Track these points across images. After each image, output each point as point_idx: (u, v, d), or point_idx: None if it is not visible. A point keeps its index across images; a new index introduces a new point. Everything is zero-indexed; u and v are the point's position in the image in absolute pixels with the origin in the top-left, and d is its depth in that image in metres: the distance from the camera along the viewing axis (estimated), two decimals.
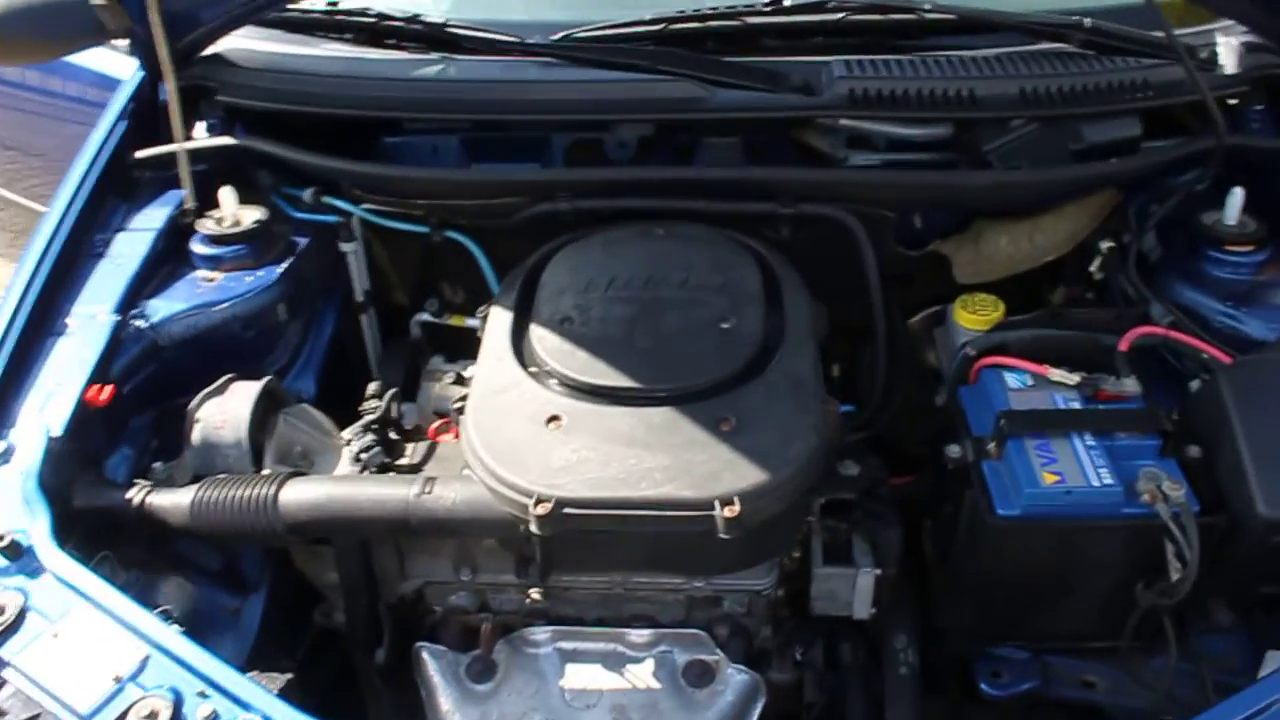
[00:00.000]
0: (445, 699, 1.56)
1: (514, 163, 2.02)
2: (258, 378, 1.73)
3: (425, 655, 1.61)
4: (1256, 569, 1.45)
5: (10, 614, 1.36)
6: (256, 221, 1.88)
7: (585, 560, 1.48)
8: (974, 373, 1.65)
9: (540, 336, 1.57)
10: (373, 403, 1.70)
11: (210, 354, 1.79)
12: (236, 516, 1.51)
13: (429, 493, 1.46)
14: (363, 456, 1.59)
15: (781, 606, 1.64)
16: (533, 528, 1.37)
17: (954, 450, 1.54)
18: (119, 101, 1.99)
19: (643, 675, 1.57)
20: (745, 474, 1.37)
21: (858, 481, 1.53)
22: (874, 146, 1.88)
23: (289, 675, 1.37)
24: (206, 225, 1.88)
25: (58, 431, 1.55)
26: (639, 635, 1.59)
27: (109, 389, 1.65)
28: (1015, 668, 1.58)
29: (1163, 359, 1.68)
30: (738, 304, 1.60)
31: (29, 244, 1.81)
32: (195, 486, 1.56)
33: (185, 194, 1.88)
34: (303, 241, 1.92)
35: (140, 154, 1.94)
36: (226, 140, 1.93)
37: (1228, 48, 1.89)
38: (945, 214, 1.89)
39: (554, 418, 1.46)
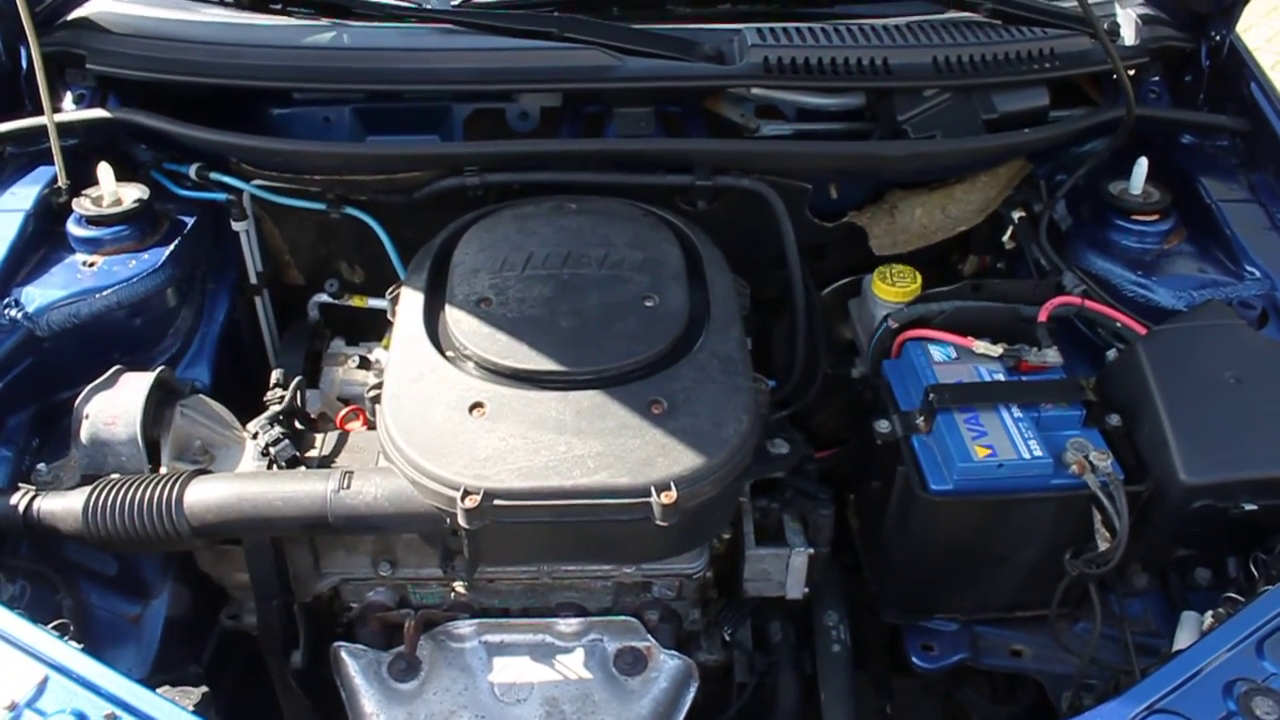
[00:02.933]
0: (368, 700, 1.50)
1: (411, 135, 1.93)
2: (148, 368, 1.61)
3: (344, 655, 1.53)
4: (1175, 533, 1.49)
5: None
6: (138, 200, 1.75)
7: (515, 552, 1.43)
8: (897, 346, 1.65)
9: (457, 319, 1.49)
10: (277, 392, 1.60)
11: (94, 344, 1.66)
12: (136, 521, 1.40)
13: (347, 488, 1.38)
14: (271, 450, 1.49)
15: (710, 588, 1.62)
16: (461, 521, 1.31)
17: (883, 425, 1.53)
18: None
19: (574, 665, 1.53)
20: (680, 458, 1.33)
21: (787, 460, 1.51)
22: (785, 116, 1.85)
23: (203, 689, 1.28)
24: (83, 205, 1.74)
25: None
26: (568, 624, 1.55)
27: None
28: (945, 640, 1.60)
29: (1074, 327, 1.71)
30: (660, 281, 1.55)
31: None
32: (87, 489, 1.44)
33: (56, 171, 1.73)
34: (189, 221, 1.79)
35: (1, 128, 1.78)
36: (100, 113, 1.79)
37: (1127, 19, 1.92)
38: (860, 185, 1.87)
39: (477, 405, 1.39)
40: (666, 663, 1.52)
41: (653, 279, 1.55)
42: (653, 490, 1.30)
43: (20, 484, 1.50)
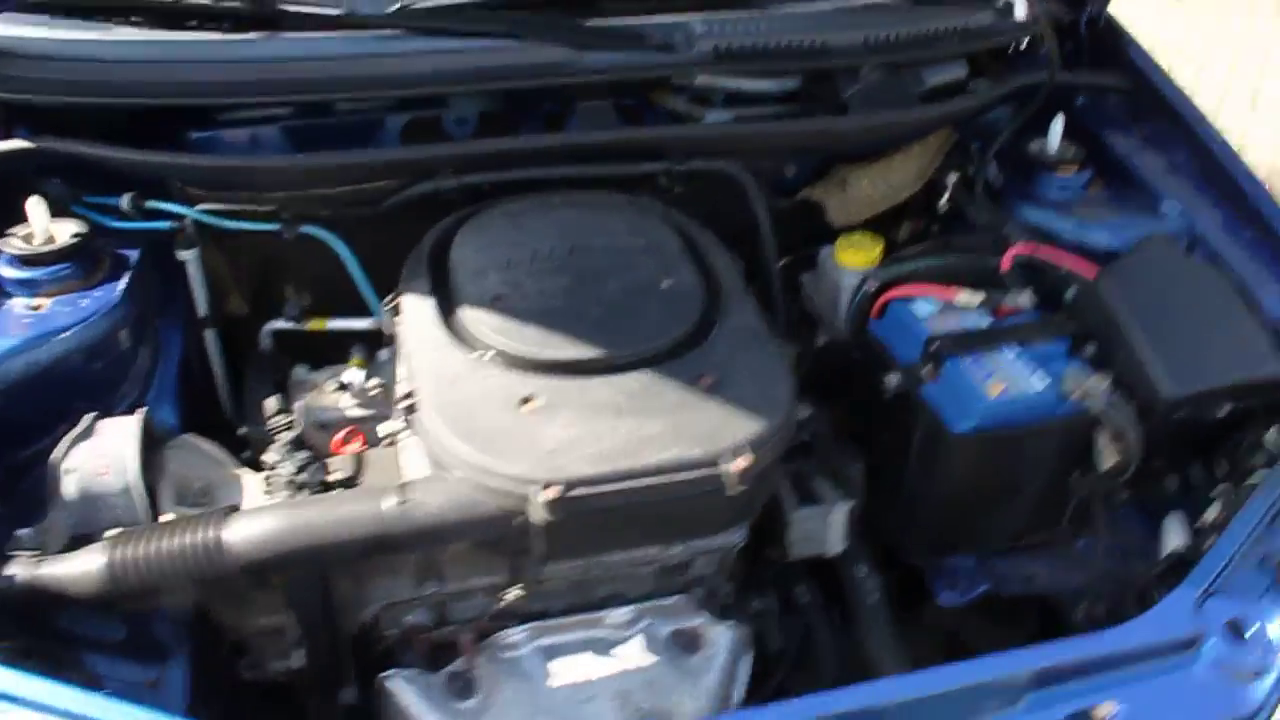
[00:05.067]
0: None
1: (344, 149, 1.86)
2: (112, 415, 1.49)
3: (398, 684, 1.45)
4: (1157, 447, 1.64)
5: None
6: (76, 235, 1.60)
7: (588, 541, 1.40)
8: (879, 307, 1.73)
9: (479, 318, 1.46)
10: (280, 418, 1.51)
11: (52, 394, 1.51)
12: (174, 569, 1.28)
13: (406, 502, 1.31)
14: (299, 478, 1.40)
15: (739, 560, 1.64)
16: (540, 515, 1.28)
17: (892, 379, 1.61)
18: None
19: (633, 655, 1.51)
20: (742, 426, 1.36)
21: (811, 422, 1.56)
22: (729, 103, 1.91)
23: None
24: (13, 245, 1.57)
25: None
26: (618, 615, 1.53)
27: None
28: (967, 575, 1.69)
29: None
30: (668, 263, 1.57)
31: None
32: (101, 547, 1.31)
33: None
34: (132, 255, 1.65)
35: None
36: (21, 144, 1.62)
37: None
38: (808, 163, 1.96)
39: (527, 399, 1.37)
40: (721, 636, 1.53)
41: (660, 261, 1.57)
42: (724, 460, 1.32)
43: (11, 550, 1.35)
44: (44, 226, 1.59)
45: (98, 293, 1.57)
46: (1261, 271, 1.73)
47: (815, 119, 1.85)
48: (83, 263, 1.59)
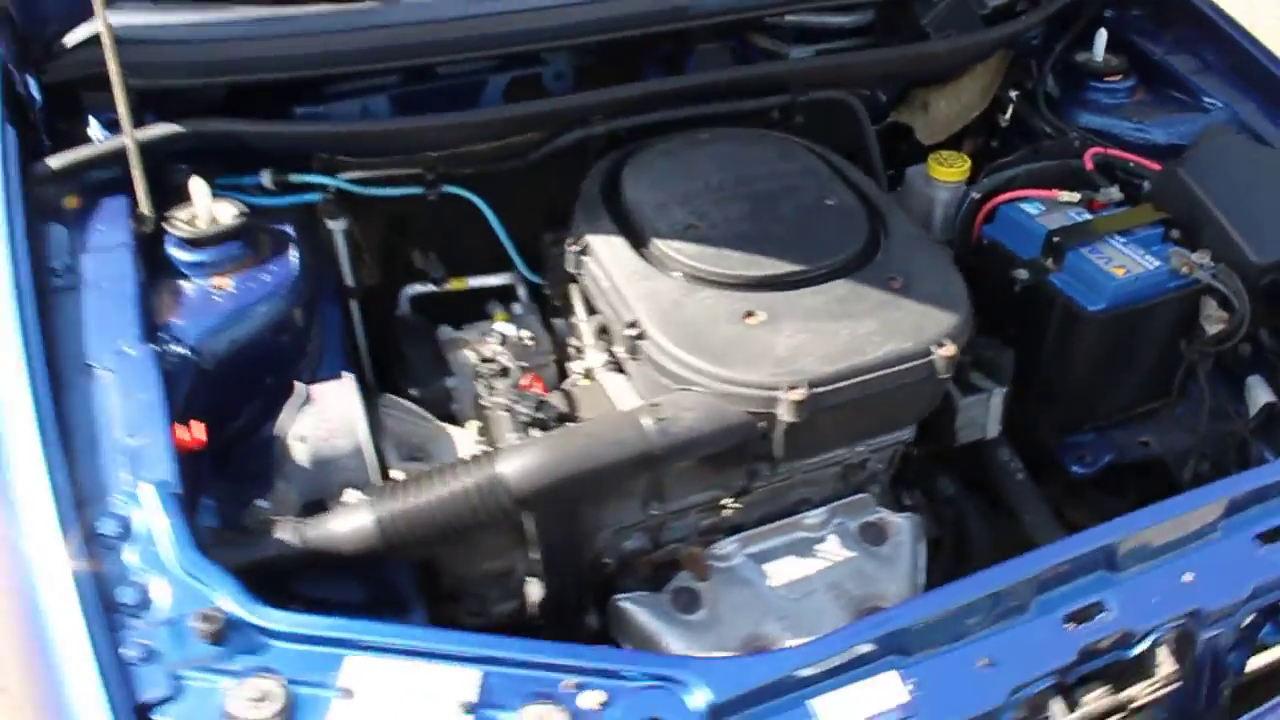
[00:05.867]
0: (674, 640, 1.51)
1: (450, 113, 1.89)
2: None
3: (628, 606, 1.53)
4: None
5: (281, 697, 1.11)
6: (240, 214, 1.60)
7: (820, 439, 1.50)
8: (986, 212, 1.88)
9: (679, 248, 1.54)
10: (496, 363, 1.57)
11: (249, 369, 1.53)
12: (454, 513, 1.33)
13: (664, 419, 1.39)
14: (538, 415, 1.46)
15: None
16: (787, 415, 1.38)
17: (1021, 273, 1.76)
18: None
19: (833, 550, 1.63)
20: (941, 318, 1.49)
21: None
22: (809, 39, 2.02)
23: None
24: (179, 228, 1.57)
25: (177, 488, 1.27)
26: (813, 517, 1.65)
27: (198, 427, 1.36)
28: (1093, 448, 1.86)
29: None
30: (824, 184, 1.68)
31: None
32: (366, 503, 1.35)
33: (140, 198, 1.55)
34: (290, 230, 1.67)
35: (54, 161, 1.56)
36: (174, 128, 1.61)
37: None
38: (893, 89, 2.09)
39: (749, 314, 1.46)
40: (903, 525, 1.67)
41: (816, 183, 1.68)
42: (933, 349, 1.45)
43: (262, 520, 1.38)
44: (207, 207, 1.59)
45: (273, 267, 1.58)
46: None
47: (910, 46, 1.97)
48: (251, 242, 1.60)
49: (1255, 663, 1.46)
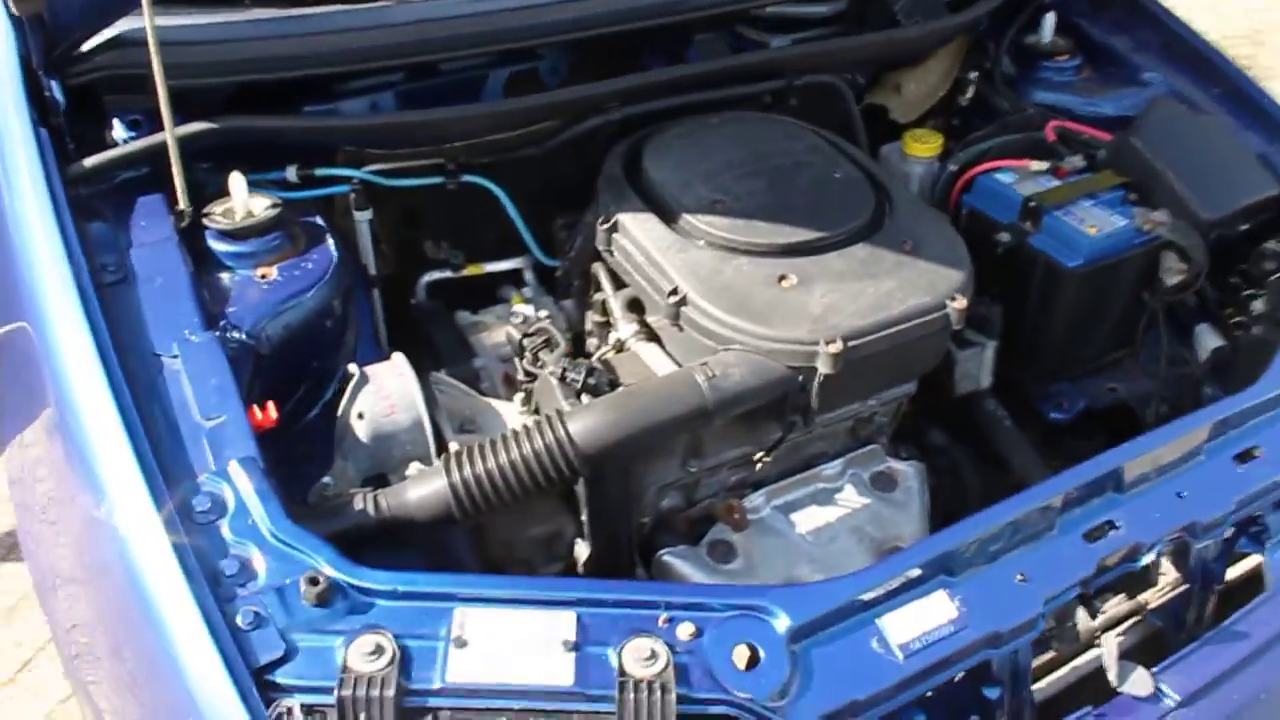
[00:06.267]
0: None
1: (480, 103, 1.98)
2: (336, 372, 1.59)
3: (674, 560, 1.63)
4: None
5: (392, 649, 1.18)
6: (275, 205, 1.65)
7: (849, 391, 1.62)
8: (963, 183, 2.03)
9: (709, 221, 1.65)
10: (535, 339, 1.66)
11: (299, 354, 1.59)
12: (526, 476, 1.40)
13: (715, 375, 1.50)
14: (590, 380, 1.55)
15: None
16: (825, 367, 1.50)
17: (1003, 236, 1.91)
18: (19, 108, 1.60)
19: (851, 498, 1.76)
20: (951, 275, 1.62)
21: None
22: (787, 28, 2.15)
23: None
24: (218, 220, 1.61)
25: (263, 463, 1.32)
26: (830, 468, 1.78)
27: (271, 407, 1.42)
28: (1069, 395, 2.02)
29: None
30: (829, 159, 1.81)
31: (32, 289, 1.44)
32: (438, 471, 1.42)
33: (179, 194, 1.59)
34: (318, 220, 1.72)
35: (89, 161, 1.60)
36: (208, 125, 1.65)
37: None
38: (867, 73, 2.23)
39: (782, 277, 1.58)
40: (909, 470, 1.80)
41: (823, 159, 1.80)
42: (947, 302, 1.58)
43: (329, 496, 1.44)
44: (244, 201, 1.64)
45: (314, 256, 1.63)
46: (1232, 118, 2.15)
47: (888, 31, 2.12)
48: (288, 232, 1.65)
49: (1233, 572, 1.64)
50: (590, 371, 1.56)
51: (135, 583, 1.25)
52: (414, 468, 1.50)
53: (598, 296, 1.80)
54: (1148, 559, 1.48)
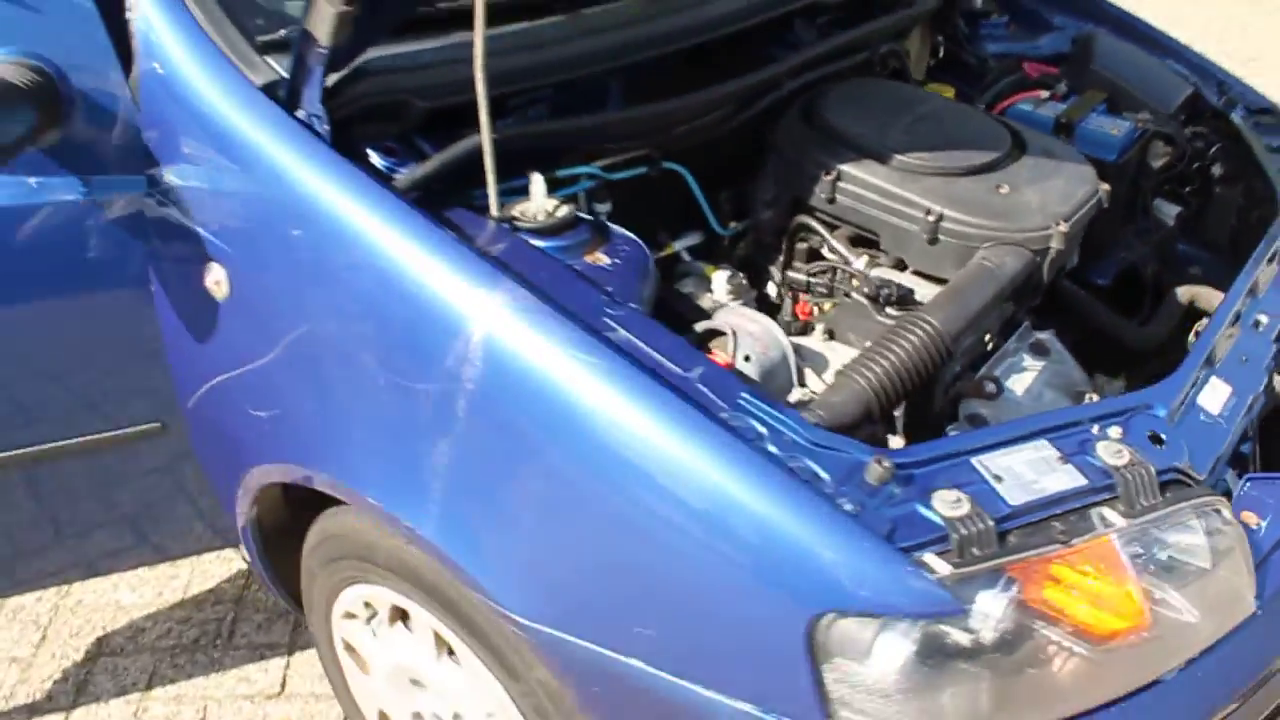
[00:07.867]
0: None
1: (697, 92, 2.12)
2: None
3: (955, 433, 1.94)
4: None
5: (967, 499, 1.42)
6: (562, 203, 1.78)
7: (1061, 265, 2.02)
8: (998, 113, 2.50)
9: (920, 156, 1.99)
10: (824, 278, 1.97)
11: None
12: (918, 366, 1.67)
13: (997, 263, 1.84)
14: (898, 294, 1.84)
15: None
16: (1059, 244, 1.90)
17: None
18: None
19: (1032, 364, 2.11)
20: (1087, 169, 2.08)
21: None
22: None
23: None
24: (535, 221, 1.72)
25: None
26: (1009, 345, 2.15)
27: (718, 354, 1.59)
28: (1103, 265, 2.54)
29: None
30: (951, 104, 2.22)
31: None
32: (847, 376, 1.64)
33: (491, 199, 1.69)
34: (586, 215, 1.85)
35: (401, 180, 1.66)
36: (513, 130, 1.79)
37: None
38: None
39: (999, 186, 1.97)
40: (1050, 337, 2.20)
41: (945, 104, 2.19)
42: (1100, 187, 2.04)
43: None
44: (543, 202, 1.75)
45: (617, 240, 1.77)
46: None
47: (912, 7, 2.54)
48: (585, 228, 1.78)
49: None
50: (883, 285, 1.85)
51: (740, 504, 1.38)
52: (796, 393, 1.71)
53: (800, 246, 2.08)
54: None
